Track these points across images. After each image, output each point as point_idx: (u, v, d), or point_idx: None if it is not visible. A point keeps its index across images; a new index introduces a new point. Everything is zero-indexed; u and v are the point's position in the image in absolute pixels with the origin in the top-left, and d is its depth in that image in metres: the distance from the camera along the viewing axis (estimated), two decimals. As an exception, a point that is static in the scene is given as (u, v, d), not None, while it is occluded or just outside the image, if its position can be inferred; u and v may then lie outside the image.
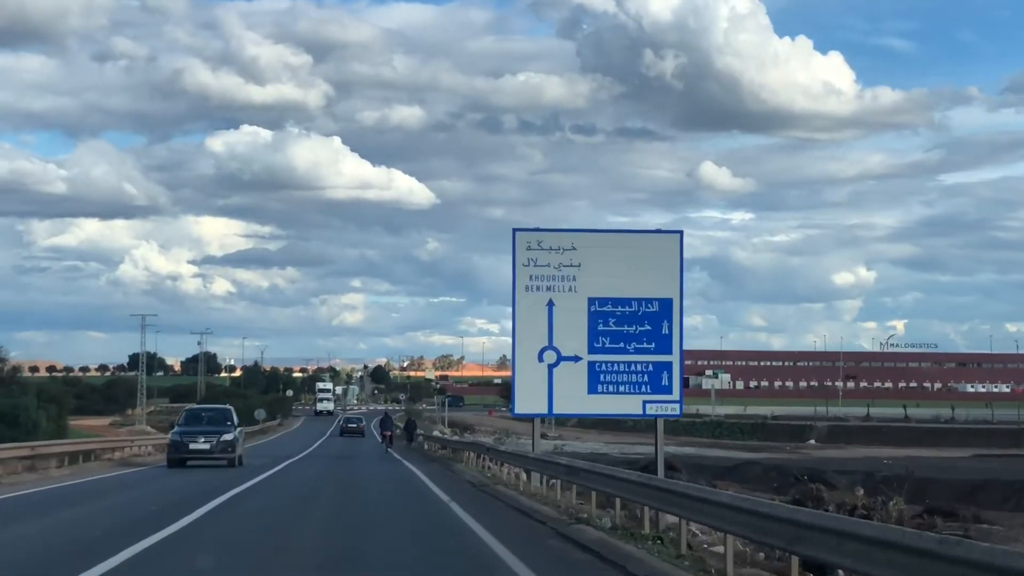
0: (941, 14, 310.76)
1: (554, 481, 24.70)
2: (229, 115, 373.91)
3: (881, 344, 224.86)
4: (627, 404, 31.38)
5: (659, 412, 31.43)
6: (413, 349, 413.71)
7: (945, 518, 35.08)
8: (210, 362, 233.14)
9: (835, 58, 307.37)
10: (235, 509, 22.18)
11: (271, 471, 36.26)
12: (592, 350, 31.21)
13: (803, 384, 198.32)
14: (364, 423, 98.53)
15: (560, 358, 31.17)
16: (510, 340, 31.24)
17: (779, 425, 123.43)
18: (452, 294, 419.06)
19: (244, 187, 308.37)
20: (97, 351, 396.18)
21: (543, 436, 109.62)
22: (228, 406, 43.64)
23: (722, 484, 51.73)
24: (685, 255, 31.50)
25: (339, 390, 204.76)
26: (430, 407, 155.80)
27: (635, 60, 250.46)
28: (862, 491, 47.27)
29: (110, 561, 13.63)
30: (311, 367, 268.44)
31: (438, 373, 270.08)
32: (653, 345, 31.26)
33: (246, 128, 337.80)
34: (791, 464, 64.73)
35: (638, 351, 31.20)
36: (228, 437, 38.05)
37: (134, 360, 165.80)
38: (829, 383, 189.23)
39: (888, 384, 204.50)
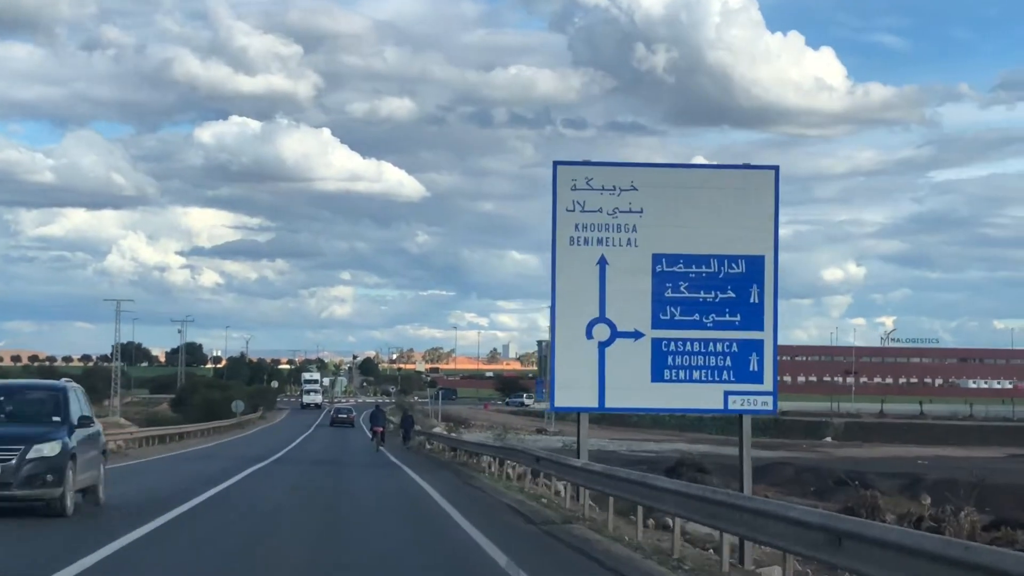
0: (933, 11, 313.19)
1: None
2: (218, 106, 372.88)
3: (881, 339, 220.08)
4: (703, 395, 23.58)
5: (746, 407, 23.69)
6: (402, 342, 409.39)
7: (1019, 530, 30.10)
8: (196, 353, 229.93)
9: (827, 54, 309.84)
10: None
11: (208, 494, 23.66)
12: (657, 323, 23.43)
13: (801, 379, 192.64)
14: (354, 413, 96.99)
15: (615, 334, 23.39)
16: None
17: (792, 421, 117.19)
18: (442, 287, 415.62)
19: (233, 178, 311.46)
20: (85, 341, 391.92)
21: (541, 432, 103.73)
22: (65, 384, 20.49)
23: (757, 489, 46.45)
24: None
25: (326, 381, 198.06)
26: (422, 400, 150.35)
27: (627, 54, 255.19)
28: (928, 499, 43.11)
29: None
30: (299, 359, 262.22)
31: (428, 366, 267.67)
32: (738, 317, 23.50)
33: (235, 119, 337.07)
34: (822, 464, 60.45)
35: (718, 325, 23.45)
36: (46, 451, 17.84)
37: (120, 350, 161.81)
38: (828, 378, 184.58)
39: (889, 380, 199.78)
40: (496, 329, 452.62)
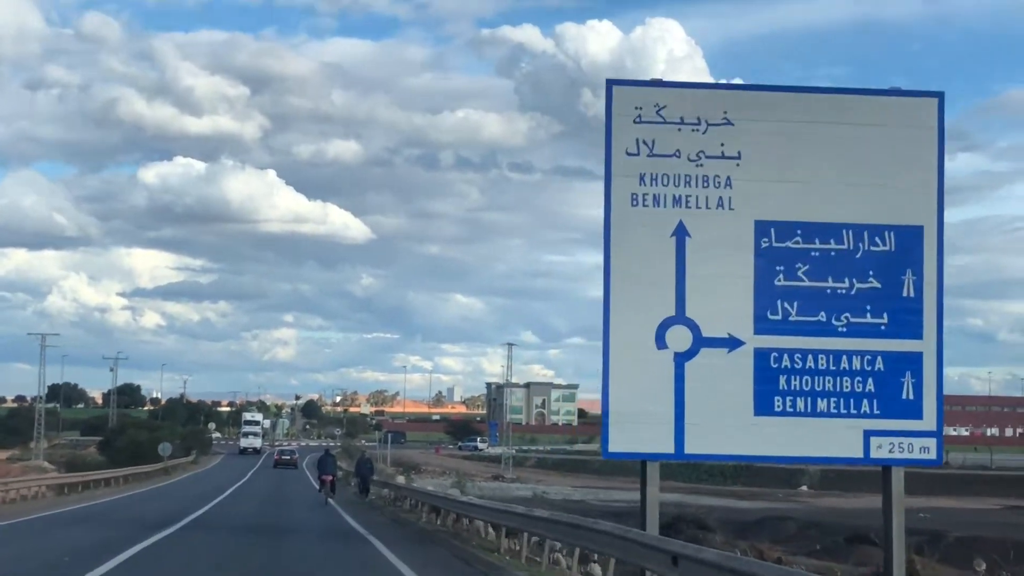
0: (872, 61, 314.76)
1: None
2: (163, 146, 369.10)
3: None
4: (832, 437, 15.62)
5: (898, 455, 15.77)
6: (346, 385, 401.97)
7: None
8: (134, 395, 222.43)
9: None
10: None
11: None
12: (763, 326, 15.56)
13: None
14: (298, 455, 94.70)
15: (699, 341, 15.42)
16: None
17: (760, 467, 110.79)
18: (386, 330, 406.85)
19: (177, 219, 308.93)
20: (22, 382, 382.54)
21: (498, 478, 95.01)
22: None
23: (763, 547, 39.89)
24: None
25: (268, 423, 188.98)
26: (369, 443, 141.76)
27: (573, 100, 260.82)
28: (984, 565, 37.90)
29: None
30: (240, 400, 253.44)
31: (373, 408, 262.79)
32: (884, 319, 15.71)
33: (179, 160, 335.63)
34: (824, 519, 55.13)
35: (855, 330, 15.62)
36: None
37: (54, 390, 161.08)
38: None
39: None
40: (440, 372, 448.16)
